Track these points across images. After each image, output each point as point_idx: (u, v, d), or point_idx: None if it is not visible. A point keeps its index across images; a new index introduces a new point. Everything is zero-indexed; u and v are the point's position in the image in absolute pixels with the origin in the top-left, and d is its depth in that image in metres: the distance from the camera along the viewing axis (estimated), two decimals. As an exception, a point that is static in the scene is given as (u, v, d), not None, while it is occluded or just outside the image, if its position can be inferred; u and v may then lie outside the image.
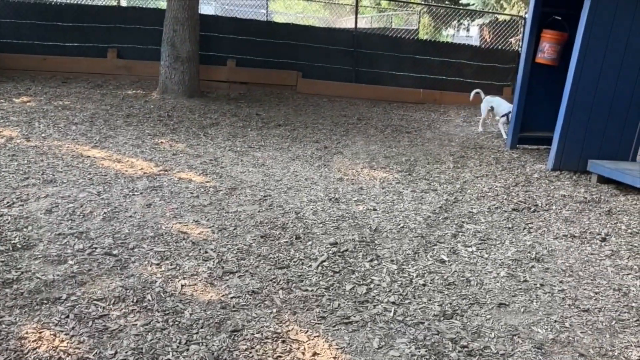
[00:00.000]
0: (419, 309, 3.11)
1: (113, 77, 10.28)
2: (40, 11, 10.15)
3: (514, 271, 3.70)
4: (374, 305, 3.10)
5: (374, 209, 4.71)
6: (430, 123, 9.39)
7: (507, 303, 3.26)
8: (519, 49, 12.00)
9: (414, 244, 4.02)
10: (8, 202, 4.14)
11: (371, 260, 3.67)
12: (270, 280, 3.29)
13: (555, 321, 3.09)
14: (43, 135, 6.20)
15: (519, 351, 2.77)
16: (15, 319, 2.69)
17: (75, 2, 11.28)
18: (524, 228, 4.54)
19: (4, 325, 2.62)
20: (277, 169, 5.73)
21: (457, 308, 3.15)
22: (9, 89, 8.61)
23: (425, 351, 2.70)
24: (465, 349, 2.74)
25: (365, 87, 11.34)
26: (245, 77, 10.86)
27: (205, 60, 10.12)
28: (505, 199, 5.26)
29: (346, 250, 3.81)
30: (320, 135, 7.64)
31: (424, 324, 2.95)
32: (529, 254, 3.99)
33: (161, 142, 6.38)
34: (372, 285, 3.33)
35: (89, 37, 10.32)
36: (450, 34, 24.61)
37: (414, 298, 3.23)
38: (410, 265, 3.65)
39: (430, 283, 3.43)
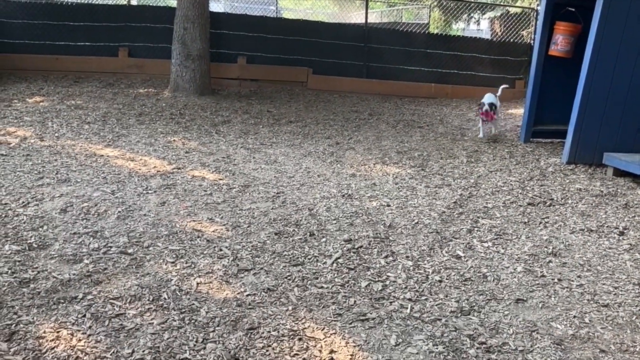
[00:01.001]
0: (436, 305, 3.08)
1: (124, 75, 10.32)
2: (51, 11, 10.19)
3: (531, 266, 3.66)
4: (390, 302, 3.08)
5: (388, 205, 4.68)
6: (443, 117, 9.33)
7: (524, 298, 3.22)
8: (531, 41, 11.89)
9: (429, 239, 3.99)
10: (23, 202, 4.16)
11: (386, 257, 3.65)
12: (285, 278, 3.28)
13: (575, 316, 3.05)
14: (56, 134, 6.23)
15: (538, 347, 2.74)
16: (33, 318, 2.70)
17: (86, 1, 11.33)
18: (540, 222, 4.49)
19: (21, 325, 2.63)
20: (290, 165, 5.72)
21: (474, 304, 3.12)
22: (22, 89, 8.66)
23: (443, 348, 2.67)
24: (484, 346, 2.71)
25: (376, 82, 11.29)
26: (256, 74, 10.85)
27: (216, 58, 10.13)
28: (520, 193, 5.21)
29: (361, 246, 3.79)
30: (332, 131, 7.61)
31: (441, 320, 2.92)
32: (545, 249, 3.95)
33: (174, 140, 6.39)
34: (387, 282, 3.31)
35: (100, 37, 10.36)
36: (460, 28, 24.44)
37: (430, 294, 3.20)
38: (425, 262, 3.62)
39: (447, 279, 3.40)
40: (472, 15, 20.79)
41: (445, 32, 17.06)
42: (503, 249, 3.92)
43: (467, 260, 3.69)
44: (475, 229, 4.26)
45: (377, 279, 3.34)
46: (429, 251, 3.79)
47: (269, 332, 2.71)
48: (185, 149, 6.06)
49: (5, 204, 4.10)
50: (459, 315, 3.00)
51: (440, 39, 12.07)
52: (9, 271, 3.12)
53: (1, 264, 3.18)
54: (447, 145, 7.21)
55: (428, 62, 11.50)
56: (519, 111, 10.05)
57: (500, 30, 15.97)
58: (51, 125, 6.63)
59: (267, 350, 2.56)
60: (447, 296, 3.19)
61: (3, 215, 3.88)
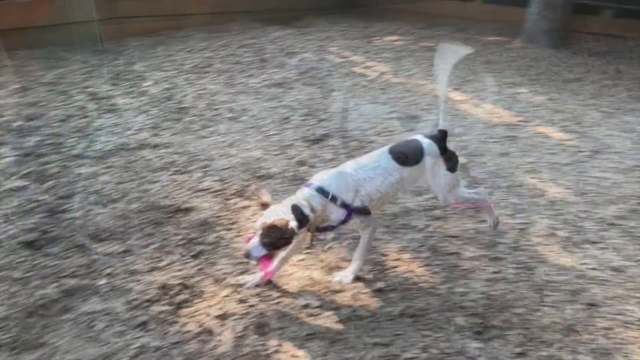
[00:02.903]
0: None
1: (476, 22, 10.26)
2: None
3: None
4: None
5: None
6: None
7: None
8: None
9: None
10: (376, 131, 4.55)
11: None
12: (637, 261, 2.90)
13: None
14: (408, 73, 6.60)
15: None
16: (381, 236, 2.96)
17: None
18: None
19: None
20: (654, 138, 4.97)
21: None
22: (382, 28, 9.38)
23: None
24: None
25: None
26: (621, 30, 9.59)
27: (576, 9, 9.23)
28: None
29: None
30: None
31: None
32: None
33: (520, 92, 6.16)
34: None
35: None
36: None
37: None
38: None
39: None
40: None
41: None
42: None
43: None
44: None
45: None
46: None
47: (612, 314, 2.45)
48: (531, 102, 5.78)
49: (364, 129, 4.55)
50: None
51: None
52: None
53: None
54: None
55: None
56: None
57: None
58: (404, 64, 7.05)
59: (607, 332, 2.33)
60: None
61: (366, 142, 4.32)
